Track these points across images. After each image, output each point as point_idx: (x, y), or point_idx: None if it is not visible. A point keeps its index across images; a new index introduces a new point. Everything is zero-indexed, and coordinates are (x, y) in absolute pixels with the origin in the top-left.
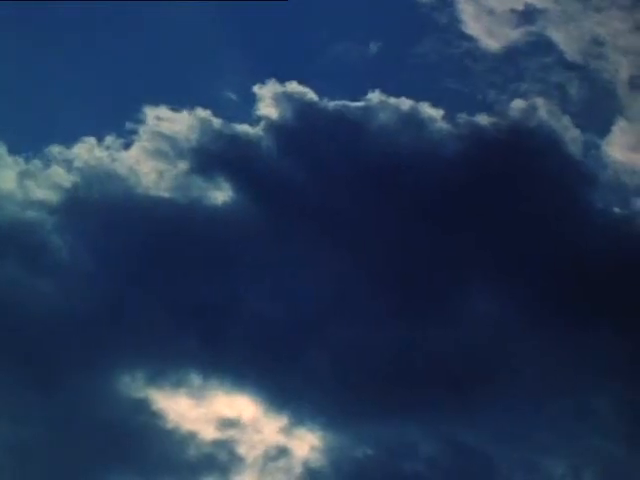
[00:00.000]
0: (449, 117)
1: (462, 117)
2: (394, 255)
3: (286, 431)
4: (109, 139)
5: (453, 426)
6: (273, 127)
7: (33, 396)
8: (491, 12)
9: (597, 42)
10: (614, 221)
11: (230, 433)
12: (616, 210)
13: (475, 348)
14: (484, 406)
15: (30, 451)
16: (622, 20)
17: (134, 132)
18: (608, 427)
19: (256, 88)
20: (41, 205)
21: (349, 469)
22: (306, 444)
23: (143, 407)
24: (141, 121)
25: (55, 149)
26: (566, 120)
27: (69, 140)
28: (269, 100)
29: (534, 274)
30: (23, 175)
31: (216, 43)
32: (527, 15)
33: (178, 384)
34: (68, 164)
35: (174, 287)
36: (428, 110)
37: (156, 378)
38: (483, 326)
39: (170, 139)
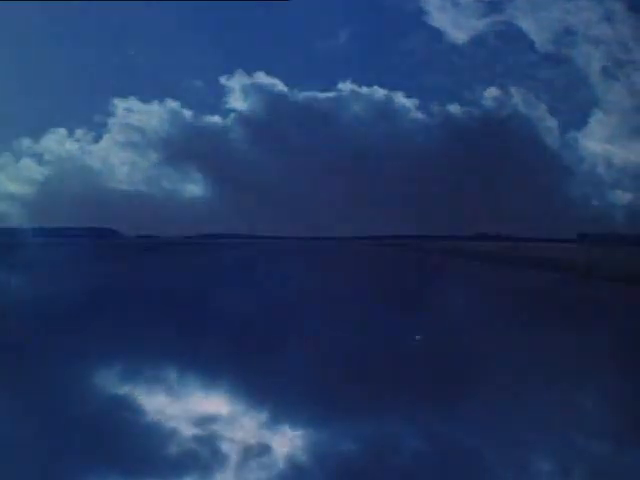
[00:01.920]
0: (423, 107)
1: (436, 107)
2: (369, 246)
3: (267, 427)
4: (79, 132)
5: (439, 422)
6: (243, 118)
7: (3, 392)
8: (458, 2)
9: (568, 31)
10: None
11: (209, 430)
12: (593, 202)
13: (461, 341)
14: (470, 401)
15: (1, 450)
16: (592, 9)
17: (104, 124)
18: (597, 424)
19: (224, 79)
20: (13, 198)
21: (332, 465)
22: (288, 440)
23: (119, 403)
24: (111, 113)
25: (25, 142)
26: (542, 109)
27: (39, 133)
28: (238, 92)
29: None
30: None
31: (183, 35)
32: (495, 4)
33: (155, 380)
34: (38, 157)
35: (150, 280)
36: (401, 100)
37: (132, 373)
38: (467, 318)
39: (140, 131)
